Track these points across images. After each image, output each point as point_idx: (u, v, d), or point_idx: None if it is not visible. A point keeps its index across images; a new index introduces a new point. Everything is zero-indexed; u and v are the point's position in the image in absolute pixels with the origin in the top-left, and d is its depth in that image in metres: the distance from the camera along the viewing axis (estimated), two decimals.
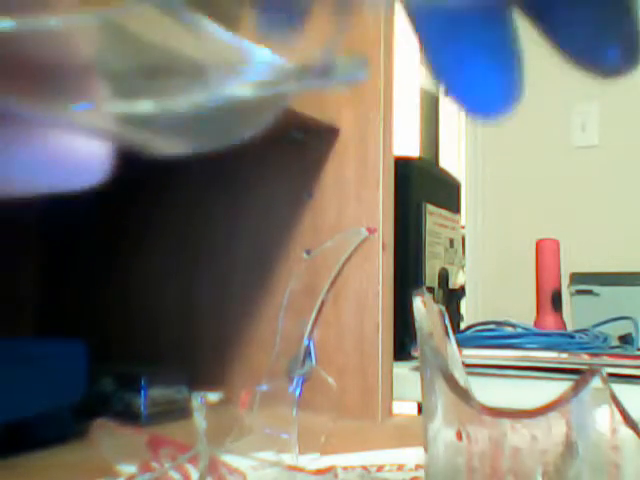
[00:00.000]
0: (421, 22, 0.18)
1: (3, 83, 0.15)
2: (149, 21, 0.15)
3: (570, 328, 1.06)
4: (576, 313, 1.19)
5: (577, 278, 1.24)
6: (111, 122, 0.16)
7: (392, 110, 0.67)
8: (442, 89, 0.18)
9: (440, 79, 0.18)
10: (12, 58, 0.14)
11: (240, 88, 0.17)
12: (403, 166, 0.88)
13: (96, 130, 0.17)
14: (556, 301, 1.04)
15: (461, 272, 1.18)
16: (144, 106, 0.16)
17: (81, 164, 0.17)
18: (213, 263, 0.72)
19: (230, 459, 0.39)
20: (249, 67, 0.17)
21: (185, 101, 0.16)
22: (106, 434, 0.41)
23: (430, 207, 1.00)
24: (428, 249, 0.99)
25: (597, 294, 1.19)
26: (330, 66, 0.17)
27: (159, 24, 0.15)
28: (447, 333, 0.32)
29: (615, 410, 0.24)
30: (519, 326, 0.93)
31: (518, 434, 0.26)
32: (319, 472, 0.43)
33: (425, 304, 0.30)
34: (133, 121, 0.16)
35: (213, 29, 0.16)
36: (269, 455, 0.43)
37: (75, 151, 0.17)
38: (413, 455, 0.47)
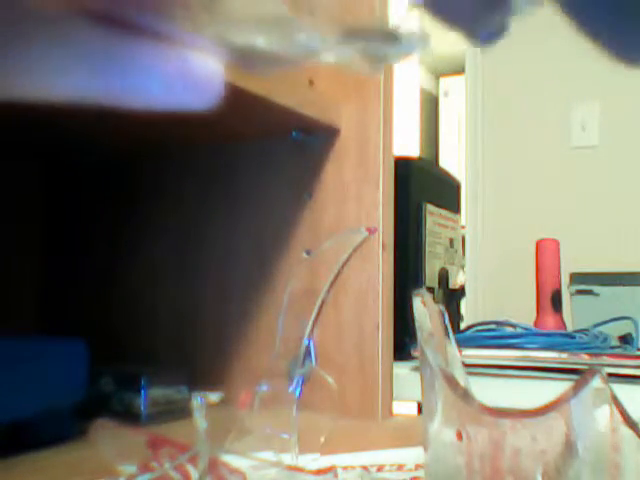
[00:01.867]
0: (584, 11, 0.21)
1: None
2: None
3: (570, 328, 1.06)
4: (576, 313, 1.19)
5: (577, 278, 1.24)
6: (228, 45, 0.19)
7: (392, 110, 0.67)
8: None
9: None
10: None
11: (310, 40, 0.19)
12: (403, 166, 0.88)
13: (213, 49, 0.19)
14: (556, 301, 1.04)
15: (461, 272, 1.18)
16: (259, 41, 0.19)
17: (196, 85, 0.19)
18: (213, 263, 0.72)
19: (230, 459, 0.39)
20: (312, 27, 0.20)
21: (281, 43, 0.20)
22: (106, 434, 0.41)
23: (430, 207, 1.00)
24: (428, 249, 0.99)
25: (597, 294, 1.19)
26: (393, 33, 0.19)
27: None
28: (447, 333, 0.32)
29: (615, 410, 0.24)
30: (519, 326, 0.93)
31: (518, 434, 0.26)
32: (319, 472, 0.43)
33: (425, 304, 0.30)
34: (247, 48, 0.19)
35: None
36: (269, 455, 0.43)
37: (192, 71, 0.19)
38: (413, 455, 0.47)
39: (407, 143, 3.51)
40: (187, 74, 0.19)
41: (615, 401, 0.24)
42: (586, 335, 0.90)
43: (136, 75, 0.18)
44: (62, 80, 0.17)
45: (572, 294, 1.21)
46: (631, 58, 0.22)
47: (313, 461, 0.45)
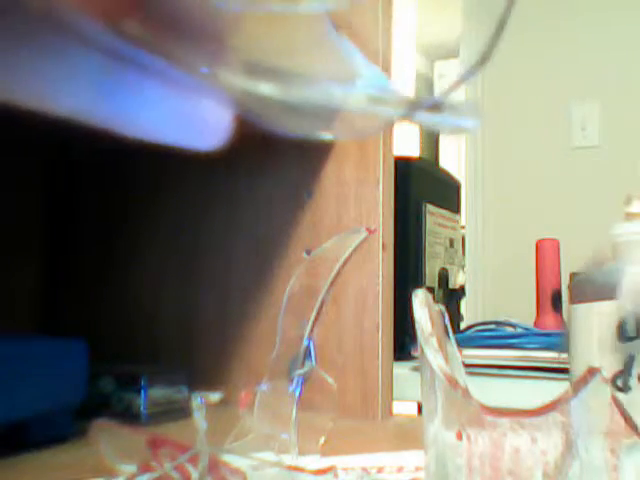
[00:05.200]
0: None
1: (152, 33, 0.16)
2: (294, 25, 0.18)
3: None
4: None
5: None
6: (235, 92, 0.18)
7: None
8: None
9: None
10: (165, 8, 0.16)
11: (349, 98, 0.19)
12: (403, 166, 0.88)
13: (220, 95, 0.18)
14: (556, 301, 1.04)
15: (461, 272, 1.18)
16: (266, 88, 0.18)
17: (203, 126, 0.19)
18: (213, 263, 0.72)
19: (230, 459, 0.39)
20: (361, 82, 0.19)
21: (299, 94, 0.18)
22: (106, 434, 0.41)
23: (430, 207, 1.00)
24: (428, 249, 0.99)
25: None
26: (441, 103, 0.19)
27: (298, 31, 0.18)
28: (447, 333, 0.32)
29: (615, 410, 0.24)
30: (519, 326, 0.93)
31: (518, 434, 0.26)
32: (319, 472, 0.43)
33: (425, 304, 0.30)
34: (254, 97, 0.18)
35: (345, 46, 0.19)
36: (269, 455, 0.43)
37: (199, 113, 0.19)
38: (413, 457, 0.47)
39: (407, 143, 3.51)
40: (193, 117, 0.19)
41: (615, 401, 0.24)
42: None
43: (141, 107, 0.18)
44: (62, 94, 0.18)
45: None
46: None
47: (313, 462, 0.45)
